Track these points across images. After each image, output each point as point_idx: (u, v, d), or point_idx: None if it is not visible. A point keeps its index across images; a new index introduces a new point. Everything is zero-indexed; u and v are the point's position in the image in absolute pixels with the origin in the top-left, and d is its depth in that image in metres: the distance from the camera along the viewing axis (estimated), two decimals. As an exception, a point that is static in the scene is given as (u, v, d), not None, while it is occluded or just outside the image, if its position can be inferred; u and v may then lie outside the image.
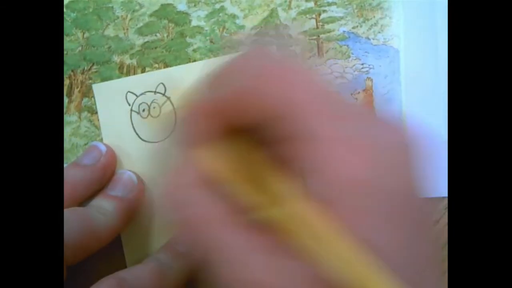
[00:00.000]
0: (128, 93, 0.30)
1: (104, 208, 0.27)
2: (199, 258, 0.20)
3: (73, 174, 0.28)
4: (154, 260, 0.26)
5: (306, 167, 0.18)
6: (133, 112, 0.30)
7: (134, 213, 0.28)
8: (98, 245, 0.26)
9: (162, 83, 0.29)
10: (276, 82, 0.18)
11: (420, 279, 0.18)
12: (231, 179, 0.20)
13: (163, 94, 0.29)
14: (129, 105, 0.30)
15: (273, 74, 0.18)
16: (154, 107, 0.29)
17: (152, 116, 0.29)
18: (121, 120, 0.30)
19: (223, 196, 0.20)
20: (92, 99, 0.30)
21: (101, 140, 0.30)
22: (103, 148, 0.28)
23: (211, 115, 0.19)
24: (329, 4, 0.30)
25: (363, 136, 0.18)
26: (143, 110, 0.29)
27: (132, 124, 0.30)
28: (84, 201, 0.28)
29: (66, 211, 0.26)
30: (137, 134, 0.29)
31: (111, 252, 0.29)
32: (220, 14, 0.30)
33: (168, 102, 0.29)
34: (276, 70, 0.18)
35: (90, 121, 0.30)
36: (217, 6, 0.30)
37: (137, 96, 0.29)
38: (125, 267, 0.29)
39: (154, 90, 0.29)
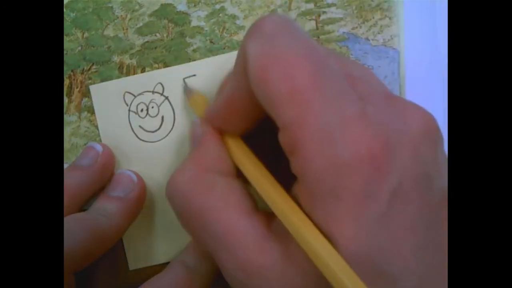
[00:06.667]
0: (126, 93, 0.29)
1: (107, 210, 0.27)
2: (205, 247, 0.21)
3: (73, 177, 0.27)
4: (181, 265, 0.25)
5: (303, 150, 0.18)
6: (131, 112, 0.29)
7: (137, 212, 0.28)
8: (104, 249, 0.26)
9: (160, 83, 0.29)
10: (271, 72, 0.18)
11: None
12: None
13: (161, 94, 0.29)
14: (127, 105, 0.29)
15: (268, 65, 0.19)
16: (152, 107, 0.29)
17: (150, 116, 0.29)
18: (119, 120, 0.29)
19: (235, 184, 0.21)
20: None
21: (100, 140, 0.29)
22: (100, 148, 0.28)
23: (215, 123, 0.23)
24: (329, 5, 0.30)
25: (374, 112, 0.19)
26: (141, 110, 0.29)
27: (131, 124, 0.29)
28: (85, 203, 0.28)
29: (69, 219, 0.25)
30: (135, 134, 0.29)
31: (112, 254, 0.29)
32: (220, 15, 0.30)
33: (166, 101, 0.29)
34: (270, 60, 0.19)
35: (90, 121, 0.30)
36: (217, 6, 0.30)
37: (135, 96, 0.29)
38: (127, 268, 0.29)
39: (152, 90, 0.29)
